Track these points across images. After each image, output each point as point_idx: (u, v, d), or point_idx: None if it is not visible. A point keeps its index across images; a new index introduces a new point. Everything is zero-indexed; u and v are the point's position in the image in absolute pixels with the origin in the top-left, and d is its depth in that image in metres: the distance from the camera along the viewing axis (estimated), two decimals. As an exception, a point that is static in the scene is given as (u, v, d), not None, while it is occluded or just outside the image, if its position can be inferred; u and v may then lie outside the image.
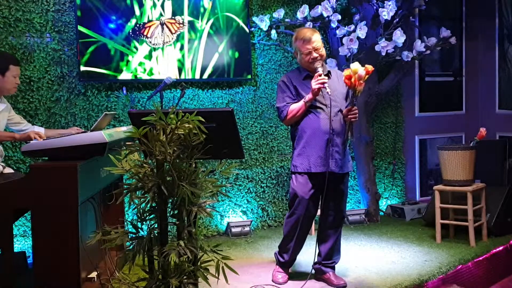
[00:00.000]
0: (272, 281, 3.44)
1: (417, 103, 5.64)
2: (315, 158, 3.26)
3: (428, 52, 5.01)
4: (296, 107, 3.26)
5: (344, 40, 4.61)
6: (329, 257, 3.43)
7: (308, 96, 3.21)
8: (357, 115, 3.23)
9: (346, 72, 3.15)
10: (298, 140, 3.34)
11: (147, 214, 2.35)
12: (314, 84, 3.16)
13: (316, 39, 3.25)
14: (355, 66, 3.14)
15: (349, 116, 3.21)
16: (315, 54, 3.24)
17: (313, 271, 3.45)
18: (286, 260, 3.46)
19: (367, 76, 3.18)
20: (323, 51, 3.28)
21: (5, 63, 3.25)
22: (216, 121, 2.53)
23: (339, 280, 3.36)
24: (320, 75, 3.16)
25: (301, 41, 3.26)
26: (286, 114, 3.29)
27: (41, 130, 3.52)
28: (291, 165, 3.38)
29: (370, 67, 3.16)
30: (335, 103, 3.27)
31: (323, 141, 3.25)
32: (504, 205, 4.50)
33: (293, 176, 3.36)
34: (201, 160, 2.68)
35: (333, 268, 3.45)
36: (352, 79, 3.13)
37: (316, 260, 3.45)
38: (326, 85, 3.15)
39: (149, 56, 4.38)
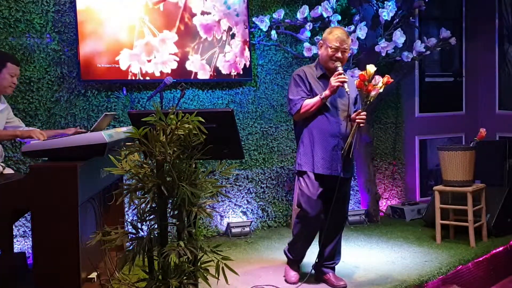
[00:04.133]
0: (286, 280, 3.44)
1: (417, 103, 5.63)
2: (318, 159, 3.26)
3: (428, 52, 5.01)
4: (311, 102, 3.24)
5: (344, 40, 4.61)
6: (330, 258, 3.43)
7: (325, 93, 3.20)
8: (364, 119, 3.22)
9: (361, 73, 3.16)
10: (304, 140, 3.33)
11: (147, 214, 2.35)
12: (334, 81, 3.16)
13: (348, 43, 3.28)
14: (371, 68, 3.14)
15: (357, 120, 3.21)
16: (339, 54, 3.24)
17: (313, 272, 3.45)
18: (296, 258, 3.49)
19: (384, 86, 3.18)
20: (346, 56, 3.30)
21: (2, 59, 3.21)
22: (216, 122, 2.53)
23: (339, 281, 3.36)
24: (340, 74, 3.17)
25: (336, 36, 3.24)
26: (300, 108, 3.26)
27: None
28: (296, 163, 3.38)
29: (389, 78, 3.18)
30: (345, 107, 3.28)
31: (329, 144, 3.25)
32: (504, 205, 4.50)
33: (300, 178, 3.36)
34: (201, 161, 2.68)
35: (333, 268, 3.45)
36: (366, 82, 3.13)
37: (317, 260, 3.45)
38: (345, 84, 3.15)
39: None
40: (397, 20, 4.86)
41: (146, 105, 4.37)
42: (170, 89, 4.49)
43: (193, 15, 4.52)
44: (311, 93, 3.29)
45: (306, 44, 4.74)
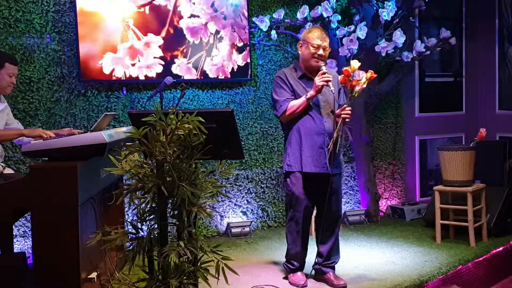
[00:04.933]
0: (294, 285, 3.39)
1: (417, 103, 5.63)
2: (306, 158, 3.28)
3: (428, 52, 5.01)
4: (297, 103, 3.27)
5: (344, 40, 4.62)
6: (328, 257, 3.43)
7: (310, 93, 3.22)
8: (349, 114, 3.22)
9: (345, 69, 3.16)
10: (291, 141, 3.35)
11: (147, 214, 2.35)
12: (318, 81, 3.18)
13: (328, 41, 3.34)
14: (355, 63, 3.15)
15: (342, 115, 3.22)
16: (321, 52, 3.28)
17: (313, 272, 3.45)
18: (297, 266, 3.44)
19: (367, 81, 3.19)
20: (327, 55, 3.34)
21: (1, 60, 3.20)
22: (216, 122, 2.54)
23: (339, 281, 3.36)
24: (324, 73, 3.19)
25: (316, 34, 3.29)
26: (285, 109, 3.28)
27: None
28: (285, 164, 3.39)
29: (373, 73, 3.18)
30: (328, 104, 3.30)
31: (316, 143, 3.27)
32: (504, 205, 4.50)
33: (288, 178, 3.37)
34: (201, 161, 2.68)
35: (333, 268, 3.45)
36: (350, 77, 3.13)
37: (316, 261, 3.45)
38: (330, 83, 3.17)
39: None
40: (397, 20, 4.86)
41: (146, 105, 4.37)
42: (170, 89, 4.49)
43: (181, 18, 4.49)
44: (293, 94, 3.31)
45: (306, 44, 4.74)
